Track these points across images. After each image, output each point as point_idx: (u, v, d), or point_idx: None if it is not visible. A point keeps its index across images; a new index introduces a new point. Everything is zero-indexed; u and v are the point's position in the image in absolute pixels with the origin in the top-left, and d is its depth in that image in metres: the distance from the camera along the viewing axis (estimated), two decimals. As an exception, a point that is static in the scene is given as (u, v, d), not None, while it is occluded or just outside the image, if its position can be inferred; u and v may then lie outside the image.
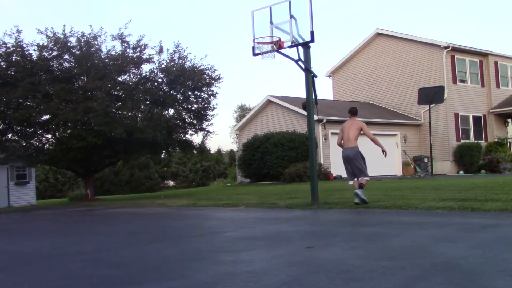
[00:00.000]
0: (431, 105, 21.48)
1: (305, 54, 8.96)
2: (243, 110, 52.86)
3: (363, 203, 8.03)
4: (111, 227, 8.34)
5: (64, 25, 18.37)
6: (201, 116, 19.10)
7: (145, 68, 18.79)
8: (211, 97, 19.01)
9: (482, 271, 3.18)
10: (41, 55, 16.70)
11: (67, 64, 17.44)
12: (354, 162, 8.31)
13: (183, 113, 18.99)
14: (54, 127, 17.04)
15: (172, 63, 18.14)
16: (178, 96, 18.56)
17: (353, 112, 8.87)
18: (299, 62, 8.94)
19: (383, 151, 8.46)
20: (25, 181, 23.40)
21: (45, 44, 16.73)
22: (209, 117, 19.32)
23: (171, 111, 18.91)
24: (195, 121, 19.39)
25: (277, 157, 20.58)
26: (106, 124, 15.78)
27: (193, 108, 19.00)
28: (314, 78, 9.22)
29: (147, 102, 17.83)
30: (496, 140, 25.01)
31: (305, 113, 8.56)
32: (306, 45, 8.90)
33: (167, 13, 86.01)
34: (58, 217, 11.53)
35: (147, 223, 8.56)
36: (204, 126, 19.52)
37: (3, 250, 5.84)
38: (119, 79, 17.81)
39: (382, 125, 23.44)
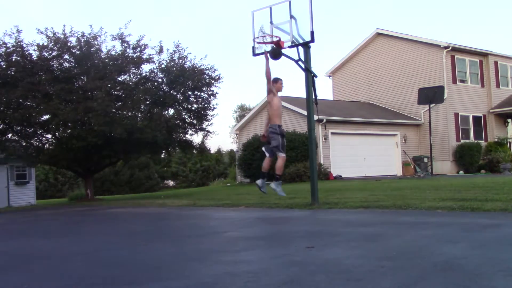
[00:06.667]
0: (431, 105, 21.47)
1: (305, 54, 8.95)
2: (243, 110, 52.86)
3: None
4: (111, 227, 8.34)
5: (64, 25, 18.40)
6: (201, 116, 19.11)
7: (145, 68, 18.82)
8: (211, 97, 19.05)
9: (482, 271, 3.17)
10: (41, 55, 16.70)
11: (67, 64, 17.44)
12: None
13: (183, 113, 19.00)
14: (54, 127, 17.04)
15: (172, 63, 18.15)
16: (178, 96, 18.57)
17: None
18: (299, 62, 8.93)
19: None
20: (25, 181, 23.40)
21: (45, 44, 16.74)
22: (209, 117, 19.36)
23: (171, 111, 18.95)
24: (195, 121, 19.40)
25: (277, 157, 20.55)
26: (106, 124, 15.78)
27: (193, 108, 19.02)
28: (314, 78, 9.20)
29: (147, 102, 17.84)
30: (496, 140, 25.01)
31: (304, 112, 8.51)
32: (306, 45, 8.89)
33: (167, 13, 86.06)
34: (58, 217, 11.53)
35: (147, 223, 8.56)
36: (204, 126, 19.55)
37: (3, 250, 5.83)
38: (119, 79, 17.82)
39: (382, 125, 23.45)
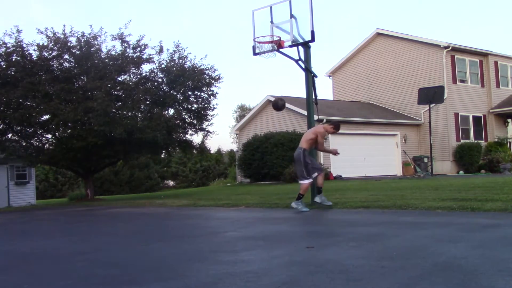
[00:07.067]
0: (431, 105, 21.47)
1: (305, 53, 8.96)
2: (243, 110, 52.86)
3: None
4: (111, 227, 8.34)
5: (64, 25, 18.44)
6: (201, 116, 19.10)
7: (145, 68, 18.85)
8: (211, 97, 19.04)
9: (482, 271, 3.17)
10: (41, 55, 16.71)
11: (67, 64, 17.45)
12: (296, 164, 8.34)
13: (183, 113, 18.99)
14: (54, 127, 17.05)
15: (172, 63, 18.15)
16: (178, 96, 18.57)
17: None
18: (299, 62, 8.94)
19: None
20: (25, 181, 23.40)
21: (45, 44, 16.74)
22: (209, 117, 19.35)
23: (171, 111, 18.94)
24: (195, 121, 19.39)
25: (277, 157, 20.58)
26: (106, 124, 15.79)
27: (193, 108, 19.01)
28: (314, 78, 9.21)
29: (147, 102, 17.83)
30: (496, 140, 25.01)
31: (304, 112, 8.50)
32: (306, 45, 8.91)
33: (168, 12, 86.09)
34: (58, 217, 11.53)
35: (147, 223, 8.56)
36: (204, 126, 19.54)
37: (3, 250, 5.83)
38: (119, 79, 17.82)
39: (382, 125, 23.45)
